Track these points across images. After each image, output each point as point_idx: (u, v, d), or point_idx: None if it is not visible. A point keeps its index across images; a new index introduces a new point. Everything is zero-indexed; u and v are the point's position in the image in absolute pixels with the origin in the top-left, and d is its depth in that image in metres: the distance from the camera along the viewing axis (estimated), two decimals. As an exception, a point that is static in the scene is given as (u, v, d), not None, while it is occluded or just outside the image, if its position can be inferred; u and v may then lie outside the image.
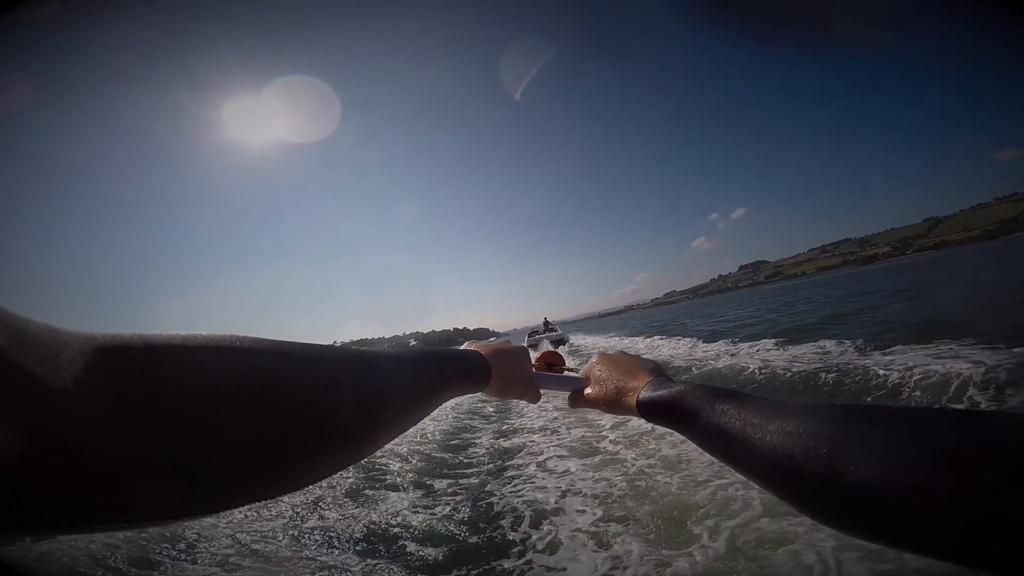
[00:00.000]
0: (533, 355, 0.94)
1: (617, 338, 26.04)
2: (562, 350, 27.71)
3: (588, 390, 0.80)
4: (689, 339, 16.05)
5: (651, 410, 0.65)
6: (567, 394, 0.86)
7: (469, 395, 0.76)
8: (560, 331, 40.54)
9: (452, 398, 0.69)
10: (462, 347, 0.79)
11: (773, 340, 11.60)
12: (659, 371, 0.75)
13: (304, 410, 0.35)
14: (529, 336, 39.52)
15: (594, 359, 0.84)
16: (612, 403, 0.74)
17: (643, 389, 0.68)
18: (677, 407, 0.60)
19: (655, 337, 19.86)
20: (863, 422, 0.40)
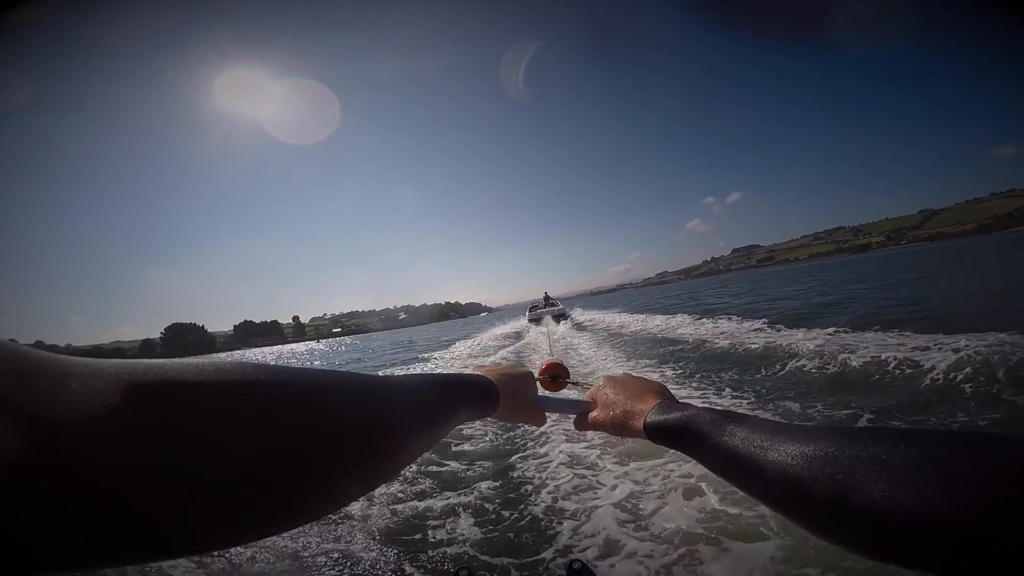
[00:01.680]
0: (536, 371, 0.94)
1: (658, 317, 19.15)
2: (564, 326, 24.91)
3: (594, 413, 0.80)
4: (782, 327, 10.63)
5: (659, 433, 0.66)
6: (573, 417, 0.85)
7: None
8: (561, 306, 39.95)
9: (462, 423, 0.70)
10: (468, 371, 0.80)
11: (997, 334, 6.07)
12: (666, 393, 0.76)
13: (319, 436, 0.36)
14: (530, 311, 38.58)
15: (600, 382, 0.85)
16: (619, 426, 0.75)
17: (651, 413, 0.69)
18: (686, 430, 0.61)
19: (716, 320, 14.16)
20: (874, 444, 0.40)
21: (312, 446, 0.35)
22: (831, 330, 8.86)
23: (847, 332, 8.66)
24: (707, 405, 0.63)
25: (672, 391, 0.78)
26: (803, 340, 8.46)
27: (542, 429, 5.18)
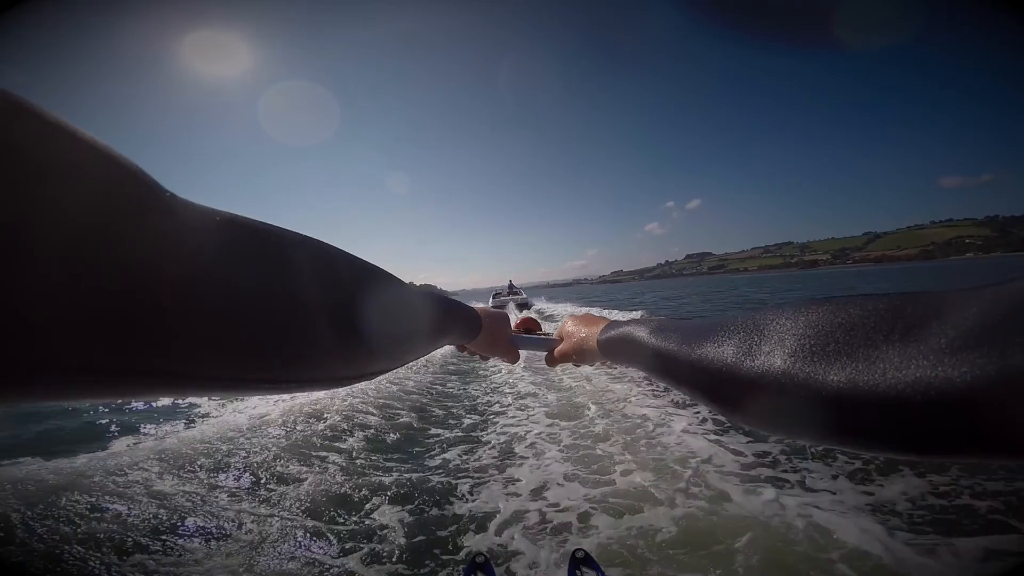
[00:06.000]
0: (512, 320, 1.00)
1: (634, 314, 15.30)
2: (527, 315, 21.18)
3: (560, 347, 0.88)
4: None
5: (608, 348, 0.74)
6: (544, 355, 0.93)
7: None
8: (524, 295, 40.84)
9: (448, 344, 0.78)
10: None
11: None
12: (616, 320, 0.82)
13: (368, 310, 0.41)
14: (493, 297, 39.13)
15: (566, 319, 0.91)
16: (580, 352, 0.84)
17: (601, 332, 0.77)
18: (624, 340, 0.67)
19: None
20: (750, 322, 0.44)
21: (361, 314, 0.39)
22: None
23: None
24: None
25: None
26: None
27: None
